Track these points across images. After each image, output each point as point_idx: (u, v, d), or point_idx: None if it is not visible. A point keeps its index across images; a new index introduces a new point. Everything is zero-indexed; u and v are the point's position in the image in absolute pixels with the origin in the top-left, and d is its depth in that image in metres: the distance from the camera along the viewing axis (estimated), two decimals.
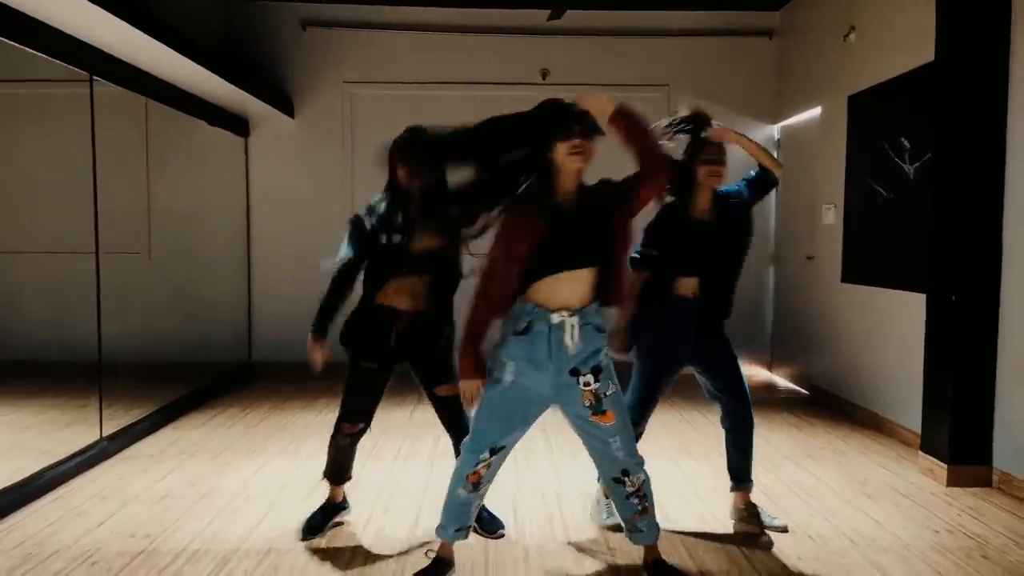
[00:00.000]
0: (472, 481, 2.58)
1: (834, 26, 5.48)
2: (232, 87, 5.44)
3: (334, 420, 3.17)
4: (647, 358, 3.17)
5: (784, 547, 3.05)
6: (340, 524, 3.26)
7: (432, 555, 2.75)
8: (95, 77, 4.22)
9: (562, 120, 2.39)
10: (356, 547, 3.04)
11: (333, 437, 3.19)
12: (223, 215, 6.58)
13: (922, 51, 4.33)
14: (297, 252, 6.57)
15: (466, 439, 2.61)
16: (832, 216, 5.52)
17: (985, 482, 3.81)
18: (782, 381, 6.49)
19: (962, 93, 3.79)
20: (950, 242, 3.83)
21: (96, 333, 4.35)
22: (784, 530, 3.21)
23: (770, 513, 3.31)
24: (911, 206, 4.50)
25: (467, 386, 2.51)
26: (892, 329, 4.75)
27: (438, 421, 3.17)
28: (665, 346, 3.14)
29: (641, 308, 3.12)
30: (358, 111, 6.61)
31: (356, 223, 3.05)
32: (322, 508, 3.25)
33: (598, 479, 3.19)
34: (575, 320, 2.44)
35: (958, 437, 3.83)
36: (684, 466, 4.08)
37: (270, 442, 4.52)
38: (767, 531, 3.21)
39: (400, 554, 2.97)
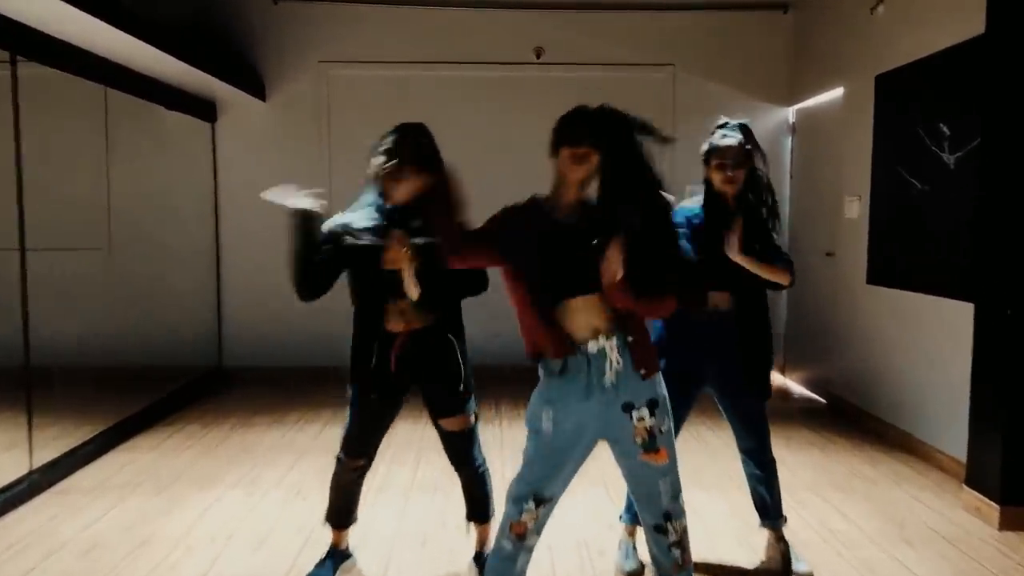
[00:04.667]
0: (517, 533, 2.19)
1: None
2: (193, 69, 4.91)
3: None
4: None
5: None
6: None
7: None
8: (19, 57, 3.69)
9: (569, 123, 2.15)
10: None
11: (335, 473, 2.80)
12: (189, 206, 6.06)
13: (968, 23, 3.78)
14: (270, 245, 6.02)
15: (510, 487, 2.23)
16: (856, 209, 4.99)
17: None
18: (797, 387, 5.99)
19: (1018, 71, 3.26)
20: (1003, 246, 3.31)
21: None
22: None
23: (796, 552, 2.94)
24: (951, 201, 3.98)
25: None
26: (926, 339, 4.23)
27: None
28: (688, 368, 2.76)
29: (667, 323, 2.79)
30: (336, 93, 6.06)
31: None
32: (327, 557, 2.86)
33: (621, 517, 2.98)
34: (614, 344, 2.10)
35: (1012, 472, 3.32)
36: (692, 498, 3.59)
37: (228, 470, 4.02)
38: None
39: None
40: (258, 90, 5.96)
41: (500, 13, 6.03)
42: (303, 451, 4.24)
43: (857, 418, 4.96)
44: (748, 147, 2.68)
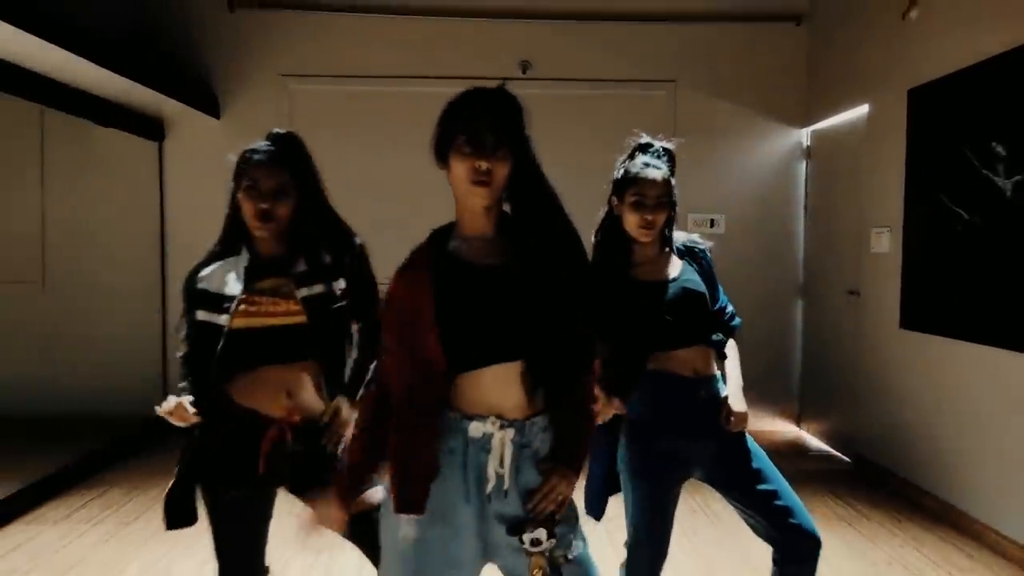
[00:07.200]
0: None
1: (886, 2, 4.32)
2: (136, 85, 4.38)
3: None
4: (643, 472, 2.13)
5: None
6: None
7: None
8: None
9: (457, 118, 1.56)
10: None
11: None
12: (133, 236, 5.44)
13: None
14: None
15: None
16: (886, 242, 4.34)
17: None
18: (815, 441, 5.30)
19: None
20: None
21: None
22: None
23: None
24: (1008, 233, 3.34)
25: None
26: (974, 396, 3.57)
27: None
28: (668, 449, 2.11)
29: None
30: (298, 110, 5.42)
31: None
32: None
33: None
34: (509, 435, 1.49)
35: None
36: None
37: (136, 555, 3.31)
38: None
39: None
40: (211, 106, 5.34)
41: (482, 24, 5.44)
42: None
43: (888, 483, 4.27)
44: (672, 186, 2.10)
